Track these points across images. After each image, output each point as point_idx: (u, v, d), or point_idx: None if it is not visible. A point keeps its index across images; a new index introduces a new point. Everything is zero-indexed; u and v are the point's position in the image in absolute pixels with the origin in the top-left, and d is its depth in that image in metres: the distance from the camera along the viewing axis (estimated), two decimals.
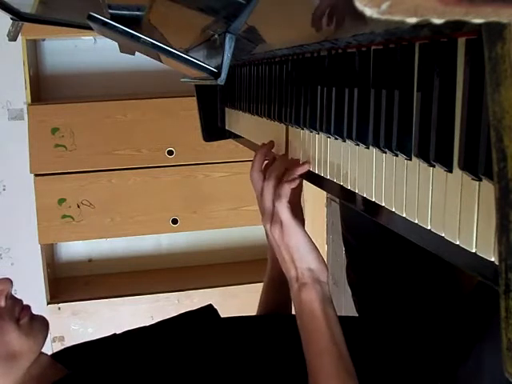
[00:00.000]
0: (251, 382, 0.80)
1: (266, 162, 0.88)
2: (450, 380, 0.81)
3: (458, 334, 0.83)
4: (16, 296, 0.82)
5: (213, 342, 0.87)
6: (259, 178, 0.89)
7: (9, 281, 0.79)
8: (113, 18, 0.65)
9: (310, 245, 0.73)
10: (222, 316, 0.94)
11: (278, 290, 1.04)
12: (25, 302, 0.81)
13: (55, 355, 0.85)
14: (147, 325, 0.93)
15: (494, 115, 0.31)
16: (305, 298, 0.72)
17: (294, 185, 0.73)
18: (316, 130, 0.74)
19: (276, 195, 0.73)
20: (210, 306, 0.95)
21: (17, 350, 0.75)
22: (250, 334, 0.91)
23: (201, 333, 0.88)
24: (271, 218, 0.74)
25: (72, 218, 2.10)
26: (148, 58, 0.75)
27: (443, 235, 0.49)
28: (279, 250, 0.75)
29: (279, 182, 0.75)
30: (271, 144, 0.90)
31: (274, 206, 0.74)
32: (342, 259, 1.07)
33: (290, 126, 0.84)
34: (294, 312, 0.76)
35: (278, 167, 0.78)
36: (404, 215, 0.55)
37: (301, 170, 0.76)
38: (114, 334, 0.90)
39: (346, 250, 1.14)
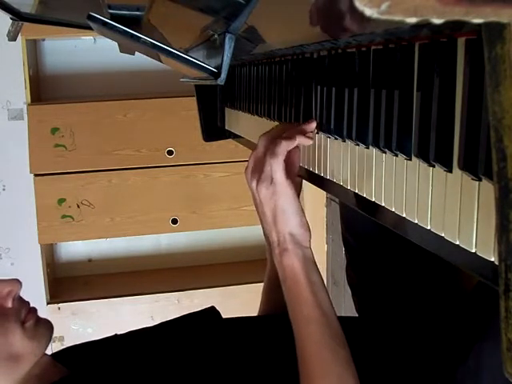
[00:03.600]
0: (253, 382, 0.79)
1: None
2: (450, 380, 0.81)
3: (458, 334, 0.83)
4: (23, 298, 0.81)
5: (215, 343, 0.86)
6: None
7: (18, 282, 0.79)
8: (113, 18, 0.65)
9: (296, 209, 0.69)
10: (223, 316, 0.94)
11: (279, 290, 1.03)
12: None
13: (55, 355, 0.85)
14: (149, 326, 0.93)
15: (493, 115, 0.31)
16: (286, 263, 0.70)
17: (291, 144, 0.69)
18: (316, 130, 0.74)
19: (271, 152, 0.69)
20: (213, 307, 0.95)
21: (19, 352, 0.75)
22: (253, 335, 0.91)
23: (203, 334, 0.88)
24: (260, 174, 0.70)
25: (72, 218, 2.10)
26: (148, 57, 0.75)
27: (443, 235, 0.49)
28: (263, 209, 0.71)
29: (277, 141, 0.70)
30: None
31: (266, 162, 0.69)
32: (341, 259, 1.07)
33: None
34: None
35: (277, 128, 0.75)
36: (404, 215, 0.55)
37: (308, 127, 0.72)
38: (116, 335, 0.90)
39: (345, 250, 1.14)
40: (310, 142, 0.73)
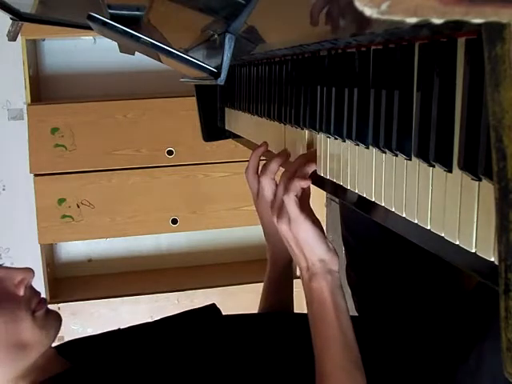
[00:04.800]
0: (253, 379, 0.80)
1: (264, 162, 0.88)
2: (450, 380, 0.81)
3: (458, 334, 0.83)
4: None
5: (215, 339, 0.87)
6: (254, 179, 0.90)
7: (31, 271, 0.79)
8: (113, 18, 0.65)
9: (319, 236, 0.72)
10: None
11: (278, 290, 1.04)
12: None
13: (58, 348, 0.85)
14: (150, 321, 0.93)
15: (493, 115, 0.31)
16: (315, 288, 0.72)
17: (304, 183, 0.73)
18: (316, 130, 0.74)
19: (285, 189, 0.73)
20: (213, 305, 0.96)
21: (28, 340, 0.75)
22: (253, 332, 0.92)
23: (204, 330, 0.89)
24: (278, 211, 0.74)
25: (72, 218, 2.10)
26: (148, 57, 0.75)
27: (443, 235, 0.49)
28: (287, 242, 0.74)
29: (289, 178, 0.74)
30: (266, 145, 0.91)
31: (282, 199, 0.73)
32: (341, 259, 1.06)
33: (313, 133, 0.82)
34: (298, 308, 0.76)
35: (291, 164, 0.78)
36: (404, 215, 0.55)
37: (310, 169, 0.76)
38: (119, 329, 0.91)
39: (345, 250, 1.14)
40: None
